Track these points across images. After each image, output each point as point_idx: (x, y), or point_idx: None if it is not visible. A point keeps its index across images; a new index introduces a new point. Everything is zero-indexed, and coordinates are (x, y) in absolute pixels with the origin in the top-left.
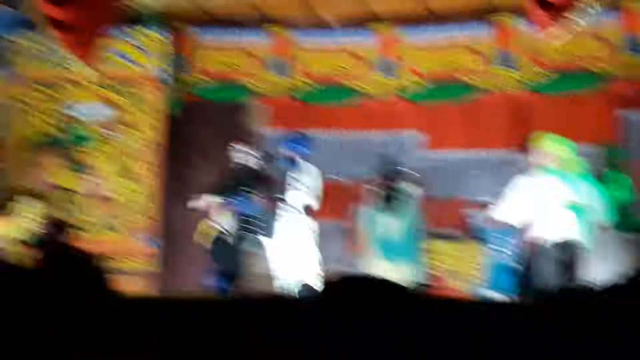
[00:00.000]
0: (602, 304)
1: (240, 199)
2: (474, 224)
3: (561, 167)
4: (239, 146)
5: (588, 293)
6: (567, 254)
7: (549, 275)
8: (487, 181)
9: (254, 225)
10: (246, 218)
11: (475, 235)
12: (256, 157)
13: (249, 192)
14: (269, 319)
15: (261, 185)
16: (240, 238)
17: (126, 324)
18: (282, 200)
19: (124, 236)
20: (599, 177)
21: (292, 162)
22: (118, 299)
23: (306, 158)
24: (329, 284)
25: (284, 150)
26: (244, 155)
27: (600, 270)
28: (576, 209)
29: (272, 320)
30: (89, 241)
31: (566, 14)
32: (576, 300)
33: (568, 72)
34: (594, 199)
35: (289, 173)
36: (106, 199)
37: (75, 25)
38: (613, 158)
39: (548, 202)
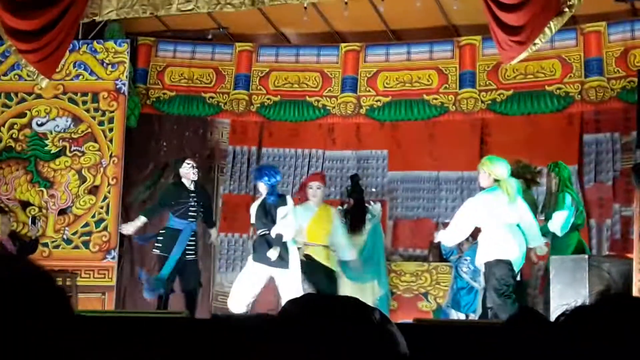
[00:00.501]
0: (564, 326)
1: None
2: (440, 245)
3: (500, 187)
4: (190, 161)
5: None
6: (511, 274)
7: (495, 297)
8: (455, 202)
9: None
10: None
11: (443, 255)
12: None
13: (193, 211)
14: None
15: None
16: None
17: (87, 342)
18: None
19: (85, 251)
20: (552, 198)
21: (273, 195)
22: (78, 317)
23: (276, 187)
24: (289, 303)
25: (259, 184)
26: (192, 170)
27: (565, 293)
28: (515, 229)
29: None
30: (51, 257)
31: (534, 40)
32: (539, 322)
33: (526, 92)
34: (533, 220)
35: (274, 205)
36: (68, 214)
37: (37, 37)
38: (568, 179)
39: (489, 223)
